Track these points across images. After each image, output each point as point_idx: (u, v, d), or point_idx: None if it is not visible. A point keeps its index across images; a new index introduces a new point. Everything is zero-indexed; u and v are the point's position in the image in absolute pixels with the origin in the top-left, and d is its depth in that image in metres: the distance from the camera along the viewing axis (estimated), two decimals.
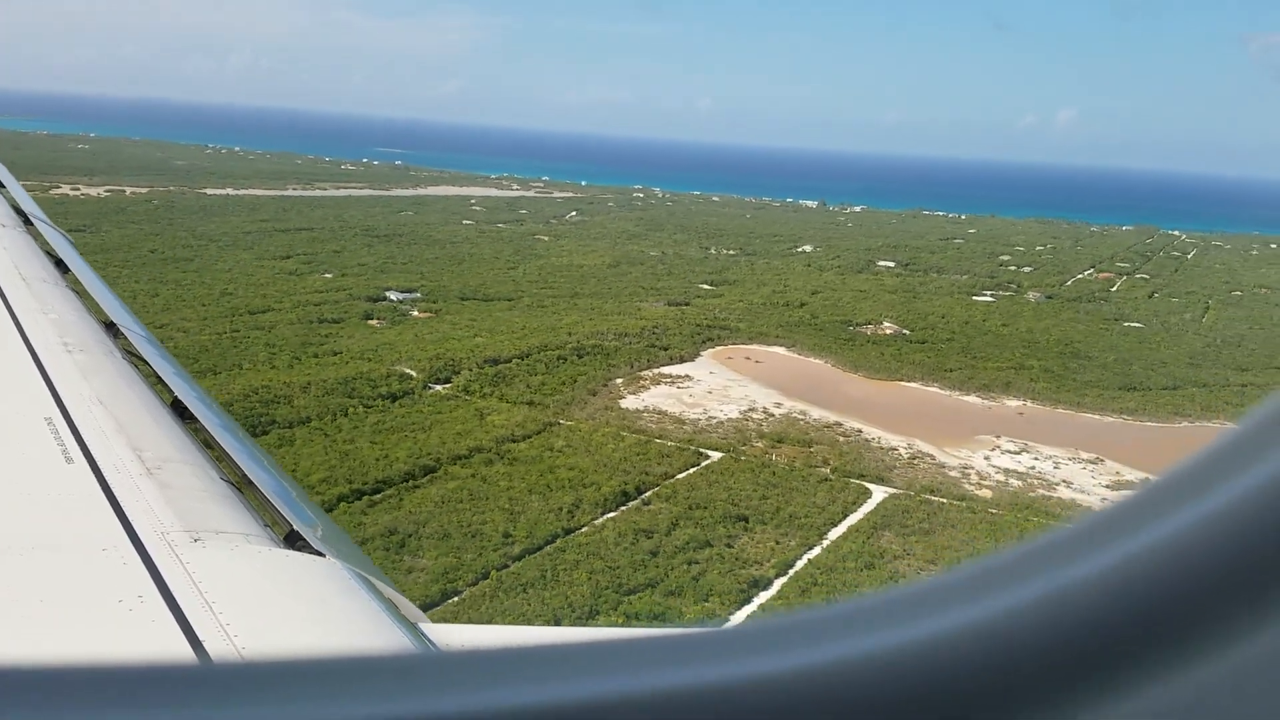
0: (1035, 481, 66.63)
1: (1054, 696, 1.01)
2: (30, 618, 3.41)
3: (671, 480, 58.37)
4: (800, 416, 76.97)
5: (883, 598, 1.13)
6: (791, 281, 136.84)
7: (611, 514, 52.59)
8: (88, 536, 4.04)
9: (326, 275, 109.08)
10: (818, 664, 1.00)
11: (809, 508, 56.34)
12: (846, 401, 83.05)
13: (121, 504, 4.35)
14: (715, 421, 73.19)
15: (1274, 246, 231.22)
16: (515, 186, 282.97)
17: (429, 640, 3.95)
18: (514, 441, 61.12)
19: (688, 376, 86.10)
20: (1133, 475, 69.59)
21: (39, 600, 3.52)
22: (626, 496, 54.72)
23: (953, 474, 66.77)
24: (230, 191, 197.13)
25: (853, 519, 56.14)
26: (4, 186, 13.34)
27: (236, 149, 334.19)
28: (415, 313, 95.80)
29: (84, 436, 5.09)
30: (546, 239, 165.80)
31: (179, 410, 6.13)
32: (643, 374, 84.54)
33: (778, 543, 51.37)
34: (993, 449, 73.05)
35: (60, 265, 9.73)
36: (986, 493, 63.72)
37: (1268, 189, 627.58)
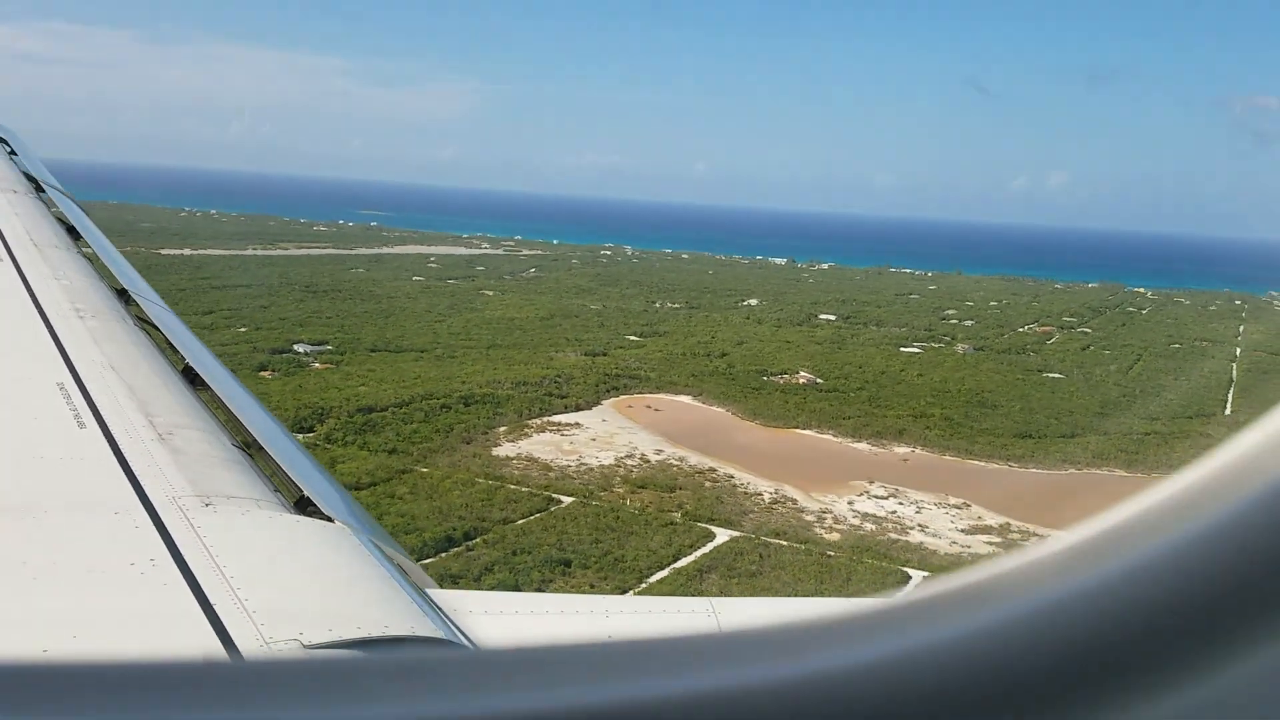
0: (890, 525, 66.47)
1: (1047, 710, 0.99)
2: (43, 579, 3.40)
3: (509, 525, 58.24)
4: (677, 463, 77.00)
5: (883, 605, 1.11)
6: (721, 333, 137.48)
7: (428, 559, 52.36)
8: (100, 500, 4.04)
9: (241, 329, 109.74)
10: (813, 672, 0.98)
11: (640, 552, 56.17)
12: (731, 448, 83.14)
13: (133, 468, 4.34)
14: (585, 468, 73.23)
15: (1238, 303, 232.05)
16: (485, 245, 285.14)
17: (436, 606, 3.93)
18: (355, 490, 61.05)
19: (577, 424, 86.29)
20: (995, 520, 69.51)
21: (52, 562, 3.50)
22: (451, 542, 54.59)
23: (808, 518, 66.66)
24: (188, 252, 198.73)
25: (683, 562, 55.94)
26: (16, 154, 13.37)
27: (213, 212, 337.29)
28: (316, 364, 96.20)
29: (96, 402, 5.06)
30: (491, 294, 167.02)
31: (190, 377, 6.13)
32: (531, 422, 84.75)
33: (592, 586, 51.04)
34: (861, 494, 72.98)
35: (72, 232, 9.73)
36: (835, 536, 63.59)
37: (1251, 248, 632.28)
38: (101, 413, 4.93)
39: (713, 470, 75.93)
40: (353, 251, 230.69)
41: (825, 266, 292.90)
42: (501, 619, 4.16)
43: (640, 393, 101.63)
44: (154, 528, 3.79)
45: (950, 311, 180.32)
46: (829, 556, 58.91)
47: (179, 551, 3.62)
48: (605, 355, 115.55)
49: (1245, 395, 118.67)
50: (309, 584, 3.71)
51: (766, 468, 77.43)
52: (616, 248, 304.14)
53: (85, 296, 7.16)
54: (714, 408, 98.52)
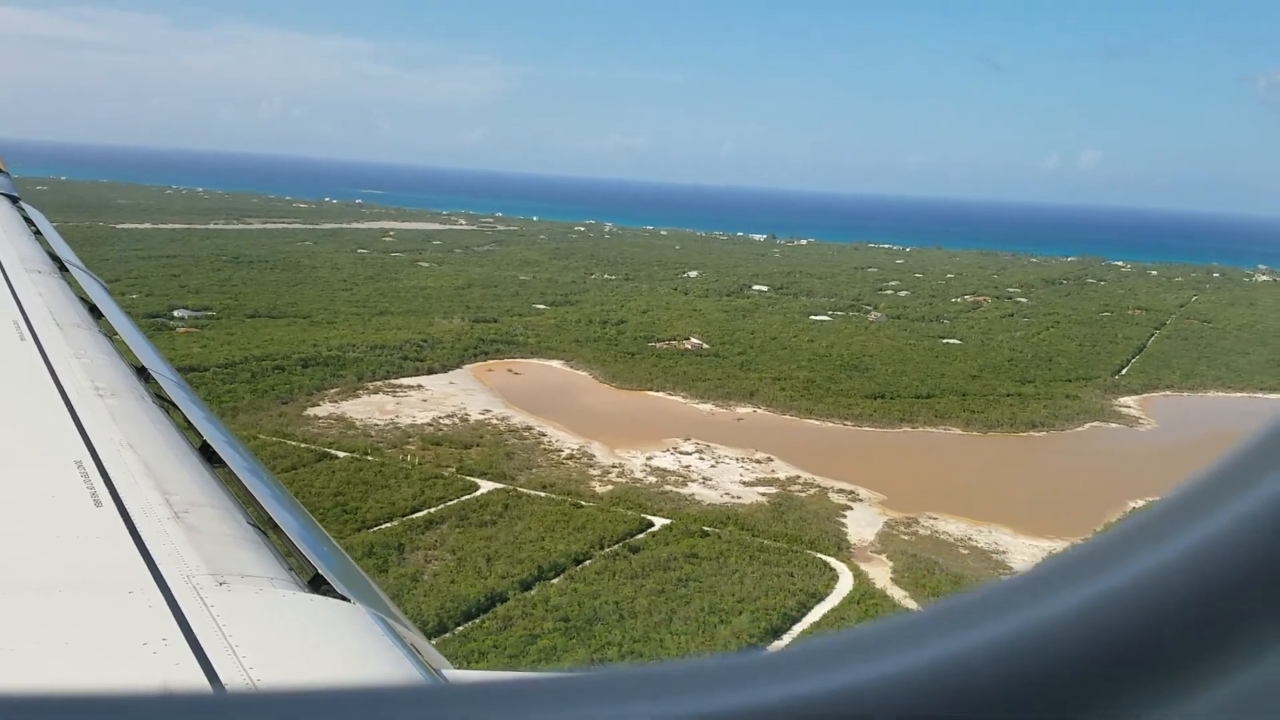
0: (673, 478, 66.67)
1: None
2: (55, 659, 3.42)
3: None
4: (496, 422, 77.45)
5: (903, 620, 1.08)
6: (633, 303, 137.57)
7: None
8: (114, 579, 4.07)
9: (133, 296, 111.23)
10: (838, 689, 0.99)
11: (381, 504, 56.66)
12: (565, 409, 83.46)
13: (149, 547, 4.38)
14: (394, 427, 73.88)
15: (1215, 275, 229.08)
16: (461, 222, 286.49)
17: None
18: None
19: (419, 386, 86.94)
20: (788, 473, 69.50)
21: (64, 642, 3.53)
22: None
23: (593, 472, 66.99)
24: (145, 225, 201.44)
25: (420, 514, 56.36)
26: (40, 234, 13.79)
27: (199, 190, 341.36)
28: (181, 329, 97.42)
29: (113, 480, 5.15)
30: (426, 265, 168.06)
31: (207, 454, 6.23)
32: (371, 384, 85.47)
33: None
34: (668, 450, 73.13)
35: (94, 310, 9.93)
36: (609, 488, 63.88)
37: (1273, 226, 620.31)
38: (118, 490, 5.00)
39: (529, 429, 76.31)
40: (316, 226, 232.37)
41: (803, 242, 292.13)
42: None
43: (514, 358, 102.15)
44: (168, 607, 3.83)
45: (893, 283, 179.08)
46: (579, 506, 59.16)
47: (192, 631, 3.64)
48: (495, 322, 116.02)
49: (1149, 360, 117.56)
50: (322, 665, 3.70)
51: (588, 426, 77.70)
52: (595, 225, 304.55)
53: (105, 375, 7.28)
54: (579, 371, 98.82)
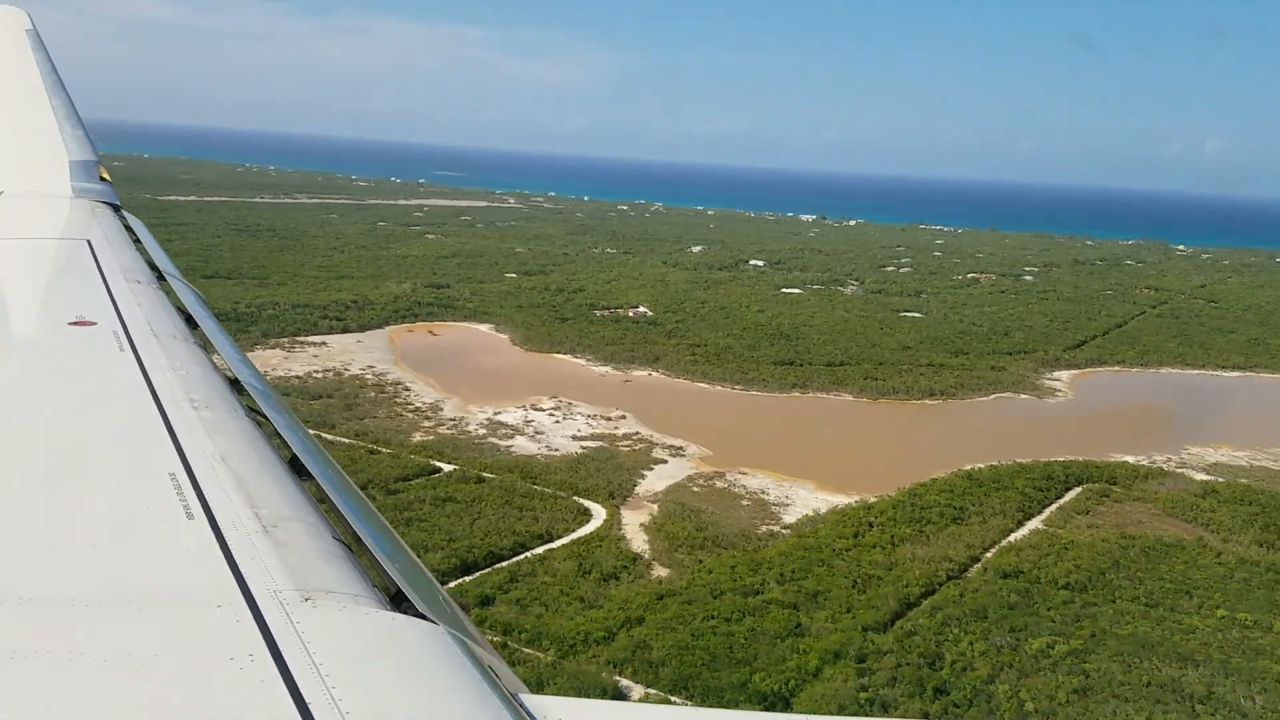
0: (503, 431, 67.86)
1: None
2: (145, 672, 3.50)
3: None
4: (371, 378, 79.60)
5: None
6: (606, 273, 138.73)
7: None
8: (203, 593, 4.16)
9: None
10: None
11: None
12: (455, 367, 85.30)
13: (237, 561, 4.47)
14: (266, 378, 76.42)
15: (1250, 260, 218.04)
16: (510, 200, 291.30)
17: (526, 711, 4.00)
18: None
19: (323, 344, 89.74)
20: (630, 429, 69.89)
21: (154, 655, 3.62)
22: None
23: (424, 423, 68.60)
24: (191, 198, 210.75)
25: None
26: (139, 242, 14.00)
27: (270, 168, 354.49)
28: None
29: (205, 493, 5.26)
30: (432, 237, 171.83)
31: (296, 468, 6.38)
32: (276, 340, 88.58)
33: None
34: (525, 406, 74.13)
35: (190, 321, 10.12)
36: (430, 438, 65.32)
37: None
38: (210, 504, 5.10)
39: (397, 384, 78.32)
40: (361, 202, 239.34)
41: (851, 223, 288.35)
42: None
43: (446, 320, 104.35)
44: (254, 622, 3.92)
45: (901, 262, 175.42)
46: (374, 453, 60.85)
47: (277, 648, 3.73)
48: (445, 288, 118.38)
49: (1120, 336, 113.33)
50: (403, 686, 3.76)
51: (460, 384, 79.25)
52: (641, 204, 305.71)
53: (199, 387, 7.40)
54: (500, 334, 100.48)
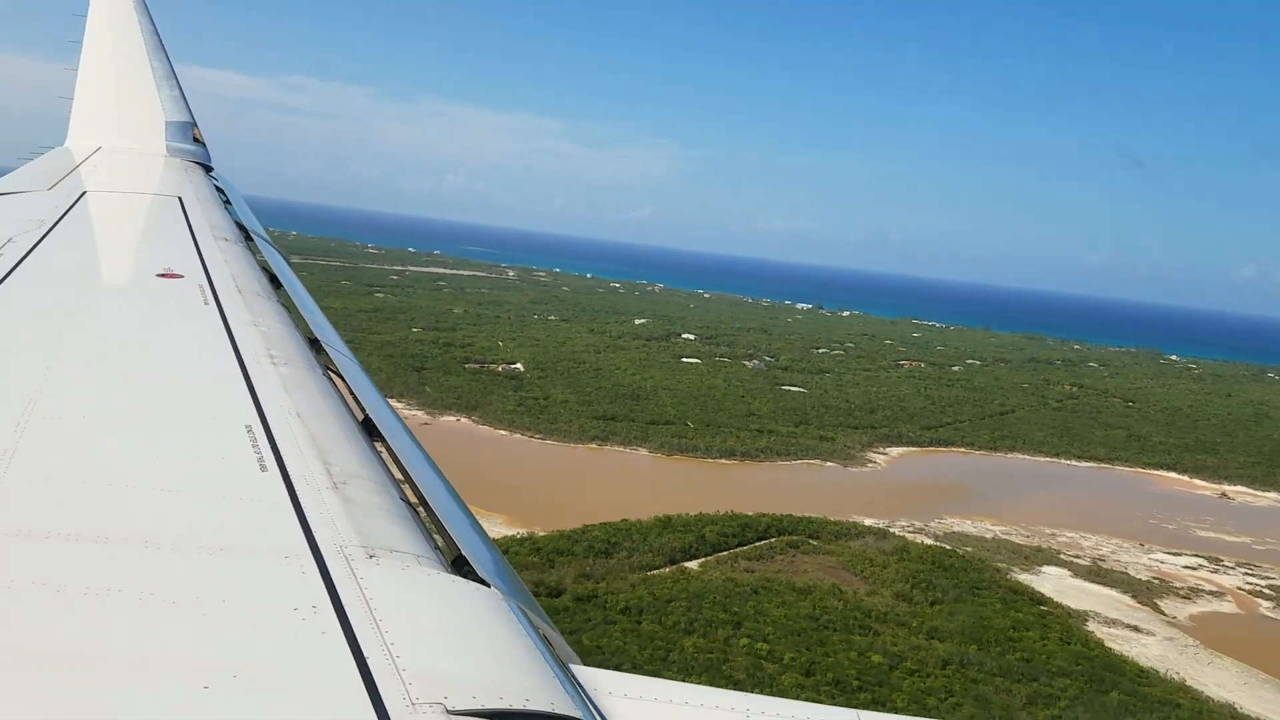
0: None
1: None
2: (212, 616, 3.57)
3: None
4: None
5: None
6: (516, 335, 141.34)
7: None
8: (272, 544, 4.20)
9: None
10: None
11: None
12: None
13: (306, 515, 4.51)
14: None
15: (1230, 372, 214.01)
16: (510, 273, 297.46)
17: (578, 683, 4.03)
18: None
19: None
20: None
21: (221, 600, 3.68)
22: None
23: None
24: None
25: None
26: (230, 203, 14.43)
27: (291, 232, 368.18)
28: None
29: (279, 446, 5.30)
30: (381, 295, 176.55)
31: (369, 428, 6.43)
32: None
33: None
34: None
35: (274, 280, 10.28)
36: None
37: None
38: (283, 457, 5.15)
39: None
40: (355, 265, 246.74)
41: (844, 314, 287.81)
42: (640, 704, 4.20)
43: None
44: (319, 575, 3.95)
45: (848, 345, 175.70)
46: None
47: (340, 601, 3.76)
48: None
49: (994, 422, 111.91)
50: (459, 647, 3.76)
51: None
52: (641, 284, 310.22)
53: (280, 344, 7.52)
54: None
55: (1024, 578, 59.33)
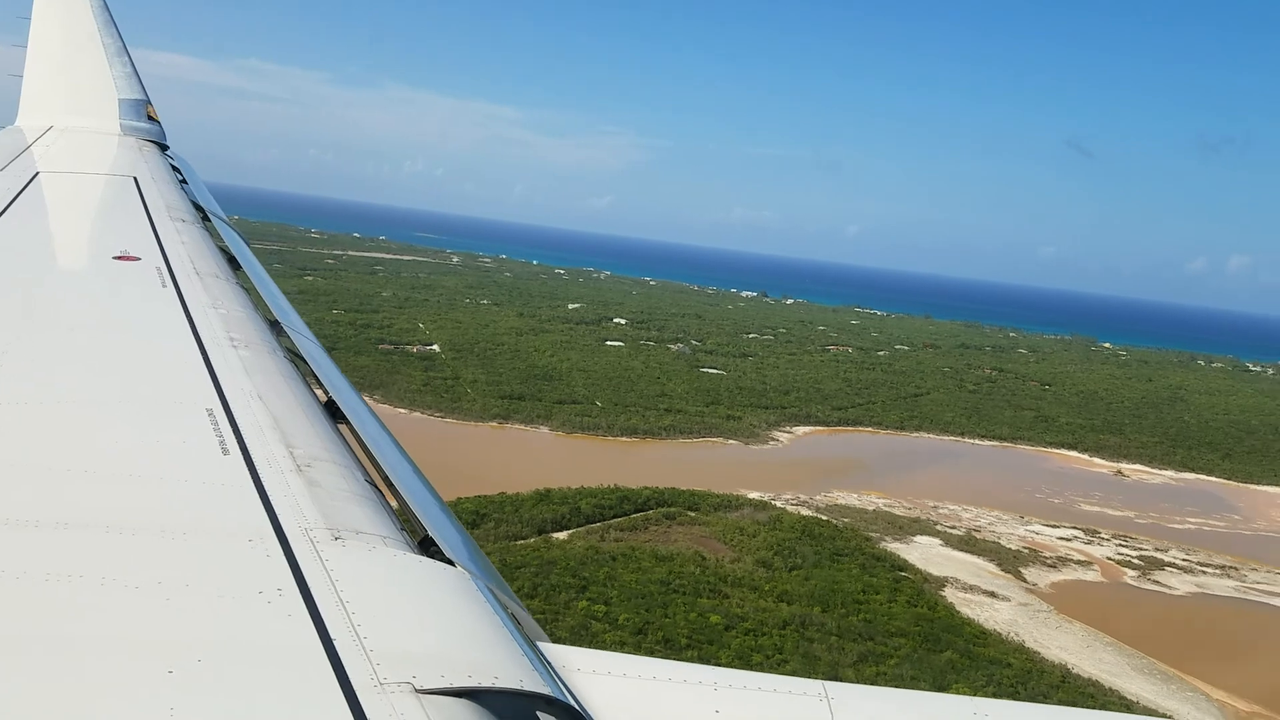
0: None
1: None
2: (176, 600, 3.54)
3: None
4: None
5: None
6: (439, 317, 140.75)
7: None
8: (236, 527, 4.19)
9: None
10: None
11: None
12: None
13: (270, 498, 4.48)
14: None
15: (1159, 359, 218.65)
16: (455, 259, 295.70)
17: (546, 660, 4.01)
18: None
19: None
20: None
21: (185, 584, 3.65)
22: None
23: None
24: None
25: None
26: (187, 184, 14.15)
27: (233, 216, 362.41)
28: None
29: (241, 429, 5.23)
30: (310, 278, 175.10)
31: (332, 410, 6.40)
32: None
33: None
34: None
35: (233, 262, 10.19)
36: None
37: None
38: (245, 441, 5.09)
39: None
40: (293, 249, 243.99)
41: (789, 301, 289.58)
42: (608, 680, 4.25)
43: None
44: (284, 558, 3.95)
45: (779, 330, 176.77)
46: None
47: (305, 583, 3.75)
48: None
49: (908, 403, 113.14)
50: (426, 627, 3.79)
51: None
52: (587, 271, 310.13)
53: (240, 326, 7.47)
54: None
55: (894, 546, 60.19)
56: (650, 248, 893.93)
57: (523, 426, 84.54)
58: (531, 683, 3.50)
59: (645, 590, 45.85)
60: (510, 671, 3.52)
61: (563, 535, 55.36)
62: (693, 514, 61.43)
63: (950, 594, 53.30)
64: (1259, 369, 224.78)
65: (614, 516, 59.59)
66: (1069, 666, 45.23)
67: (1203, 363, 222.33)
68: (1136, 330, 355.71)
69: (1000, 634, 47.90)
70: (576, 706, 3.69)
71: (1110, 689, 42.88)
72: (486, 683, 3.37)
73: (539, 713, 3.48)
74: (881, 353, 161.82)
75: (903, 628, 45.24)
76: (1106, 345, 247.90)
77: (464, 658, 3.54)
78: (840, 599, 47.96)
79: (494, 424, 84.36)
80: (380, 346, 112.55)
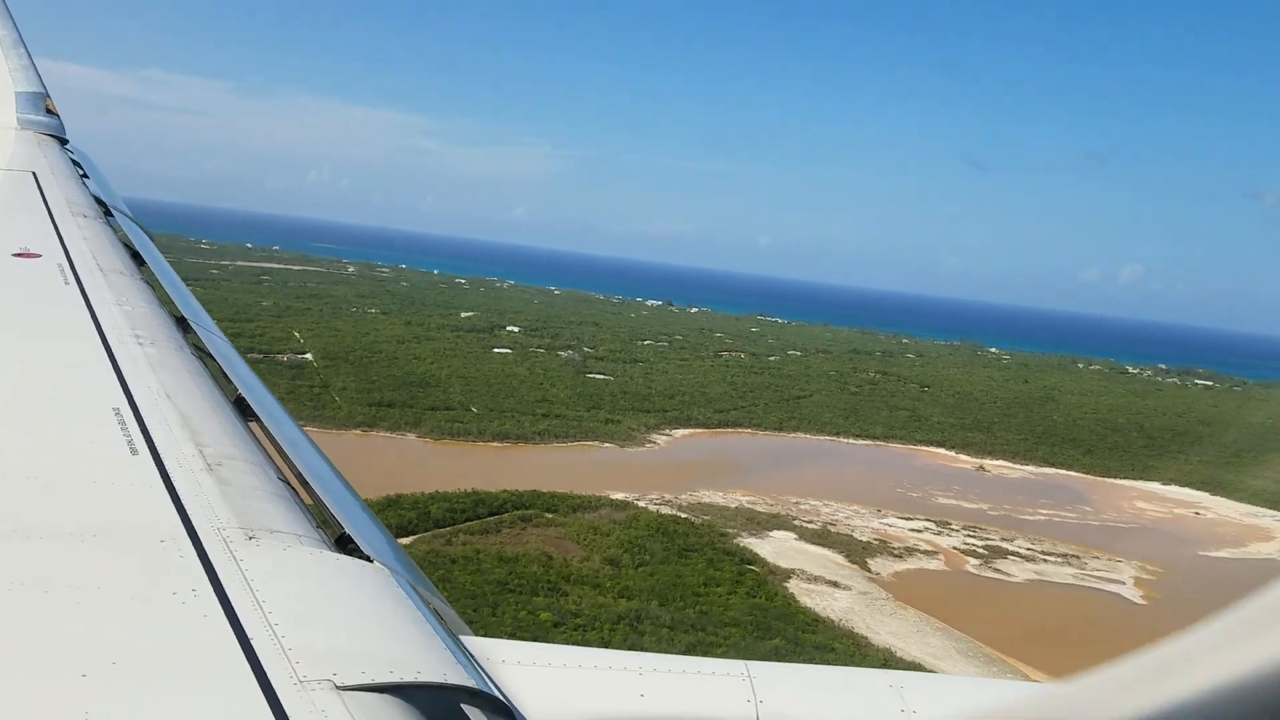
0: None
1: None
2: (86, 604, 3.48)
3: None
4: None
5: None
6: (321, 325, 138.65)
7: None
8: (147, 528, 4.13)
9: None
10: None
11: None
12: None
13: (181, 498, 4.44)
14: None
15: (1045, 363, 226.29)
16: (351, 269, 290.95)
17: (470, 653, 4.02)
18: None
19: None
20: None
21: (96, 588, 3.59)
22: None
23: None
24: None
25: None
26: (88, 178, 13.78)
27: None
28: None
29: (149, 429, 5.18)
30: (190, 289, 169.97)
31: (242, 408, 6.29)
32: None
33: None
34: None
35: (136, 258, 9.95)
36: None
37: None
38: (154, 440, 5.02)
39: None
40: (178, 260, 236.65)
41: (693, 310, 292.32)
42: (533, 670, 4.34)
43: None
44: (197, 558, 3.89)
45: (659, 338, 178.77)
46: None
47: (220, 583, 3.70)
48: None
49: (789, 406, 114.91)
50: (346, 624, 3.76)
51: None
52: (490, 280, 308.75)
53: (145, 323, 7.31)
54: None
55: (749, 541, 61.09)
56: (563, 259, 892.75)
57: (388, 434, 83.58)
58: (455, 676, 3.50)
59: (479, 591, 45.61)
60: (433, 666, 3.52)
61: (406, 540, 54.69)
62: (550, 515, 61.39)
63: (794, 585, 54.30)
64: (1136, 371, 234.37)
65: (466, 520, 59.19)
66: (894, 650, 46.39)
67: (1081, 365, 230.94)
68: (1024, 335, 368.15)
69: (833, 621, 48.92)
70: (502, 698, 3.67)
71: (931, 671, 44.10)
72: (409, 678, 3.35)
73: (464, 706, 3.45)
74: (773, 358, 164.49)
75: (736, 618, 45.91)
76: (993, 350, 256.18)
77: (385, 654, 3.53)
78: (680, 593, 48.46)
79: (358, 432, 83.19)
80: (248, 355, 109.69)
